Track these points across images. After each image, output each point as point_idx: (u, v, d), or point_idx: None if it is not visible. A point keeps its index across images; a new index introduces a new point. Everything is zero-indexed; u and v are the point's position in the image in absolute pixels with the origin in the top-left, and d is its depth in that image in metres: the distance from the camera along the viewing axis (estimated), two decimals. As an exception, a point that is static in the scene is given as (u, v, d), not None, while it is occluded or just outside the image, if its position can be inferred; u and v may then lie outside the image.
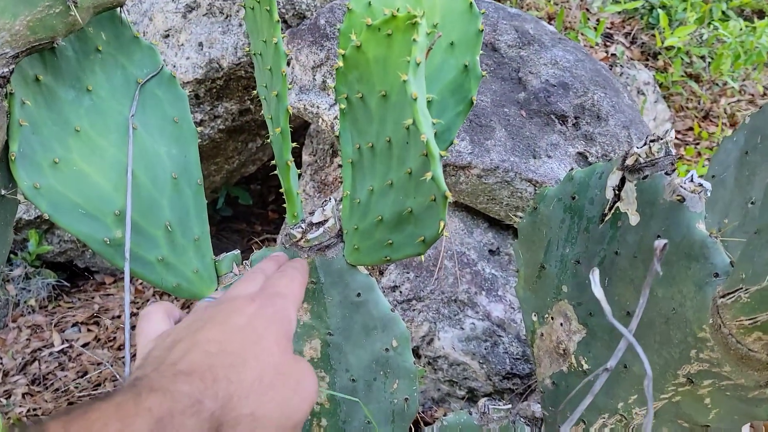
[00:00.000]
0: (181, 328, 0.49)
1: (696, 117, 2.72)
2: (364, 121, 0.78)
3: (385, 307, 0.88)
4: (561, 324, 0.91)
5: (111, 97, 0.86)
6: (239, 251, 0.93)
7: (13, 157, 0.75)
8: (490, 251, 1.42)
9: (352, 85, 0.76)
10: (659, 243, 0.47)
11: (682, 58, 2.67)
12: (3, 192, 0.77)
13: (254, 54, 0.92)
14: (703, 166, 2.33)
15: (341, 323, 0.89)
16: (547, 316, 0.94)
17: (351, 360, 0.90)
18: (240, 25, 1.70)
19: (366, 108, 0.76)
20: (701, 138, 2.54)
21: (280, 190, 0.90)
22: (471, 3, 0.84)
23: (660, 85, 2.61)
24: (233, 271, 0.91)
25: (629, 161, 0.78)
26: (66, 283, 2.14)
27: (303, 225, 0.87)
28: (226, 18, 1.70)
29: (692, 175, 0.73)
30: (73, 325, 1.92)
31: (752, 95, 3.00)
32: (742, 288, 0.64)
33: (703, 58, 2.81)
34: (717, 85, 2.84)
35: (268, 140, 0.91)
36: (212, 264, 0.91)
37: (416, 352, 1.32)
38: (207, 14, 1.71)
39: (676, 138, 2.56)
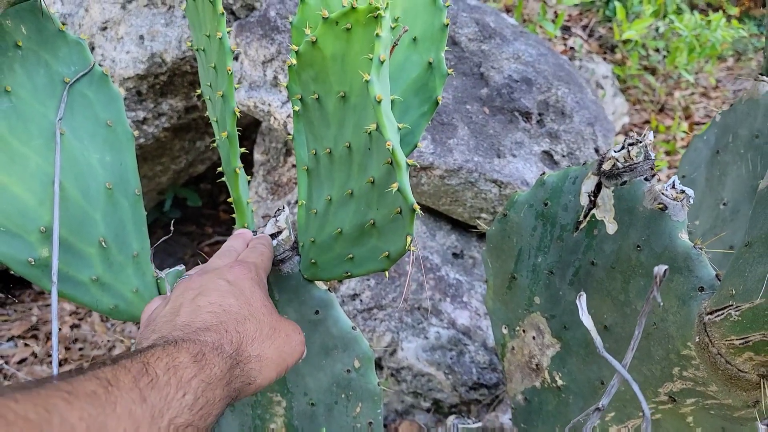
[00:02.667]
0: (175, 296, 0.61)
1: (652, 110, 2.73)
2: (320, 125, 0.71)
3: (345, 325, 0.82)
4: (533, 337, 0.86)
5: (33, 98, 0.77)
6: (183, 266, 0.85)
7: None
8: (454, 254, 1.36)
9: (307, 84, 0.69)
10: (659, 269, 0.42)
11: (638, 51, 2.66)
12: None
13: (197, 50, 0.84)
14: (661, 160, 2.33)
15: (298, 343, 0.82)
16: (518, 329, 0.88)
17: (309, 383, 0.84)
18: (184, 16, 1.60)
19: (322, 110, 0.69)
20: (658, 131, 2.54)
21: (229, 199, 0.83)
22: (435, -6, 0.77)
23: (618, 78, 2.60)
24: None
25: (606, 166, 0.73)
26: (0, 294, 2.00)
27: (254, 238, 0.79)
28: (169, 9, 1.59)
29: (674, 181, 0.69)
30: (9, 339, 1.78)
31: (705, 87, 3.03)
32: (732, 305, 0.59)
33: (658, 50, 2.82)
34: (672, 78, 2.86)
35: (215, 144, 0.83)
36: (154, 282, 0.83)
37: (378, 364, 1.25)
38: (148, 5, 1.59)
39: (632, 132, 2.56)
